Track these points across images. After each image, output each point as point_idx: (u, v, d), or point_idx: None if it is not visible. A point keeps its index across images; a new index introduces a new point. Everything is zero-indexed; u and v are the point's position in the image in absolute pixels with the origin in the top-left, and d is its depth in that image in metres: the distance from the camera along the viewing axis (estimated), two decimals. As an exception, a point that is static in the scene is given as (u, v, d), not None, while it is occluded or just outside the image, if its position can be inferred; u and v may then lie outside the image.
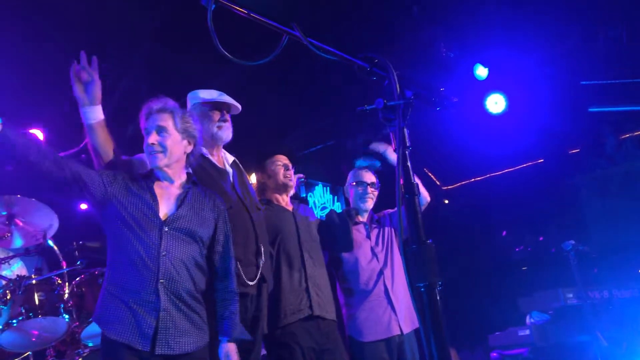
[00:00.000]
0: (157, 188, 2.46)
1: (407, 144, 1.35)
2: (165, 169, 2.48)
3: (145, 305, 2.25)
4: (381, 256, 3.77)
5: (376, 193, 3.96)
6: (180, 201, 2.47)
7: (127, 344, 2.20)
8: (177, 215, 2.41)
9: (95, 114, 2.55)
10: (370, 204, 3.91)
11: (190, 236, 2.42)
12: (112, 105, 5.30)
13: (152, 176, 2.50)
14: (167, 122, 2.48)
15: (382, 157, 3.96)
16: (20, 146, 2.20)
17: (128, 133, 5.48)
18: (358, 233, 3.85)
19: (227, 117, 3.08)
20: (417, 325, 3.66)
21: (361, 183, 3.91)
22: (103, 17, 4.80)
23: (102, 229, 2.46)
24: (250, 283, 2.81)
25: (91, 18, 4.80)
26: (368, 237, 3.84)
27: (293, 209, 3.58)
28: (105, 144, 2.57)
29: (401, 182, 1.31)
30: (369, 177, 3.95)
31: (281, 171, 3.52)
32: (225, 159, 3.11)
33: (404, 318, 3.59)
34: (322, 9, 5.10)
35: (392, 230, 3.94)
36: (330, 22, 5.15)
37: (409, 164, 1.34)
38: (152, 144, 2.44)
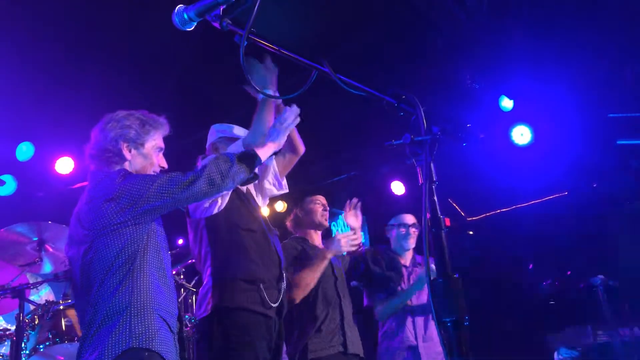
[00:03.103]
0: None
1: (434, 179, 1.37)
2: None
3: None
4: (413, 300, 3.93)
5: (417, 232, 4.21)
6: None
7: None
8: None
9: None
10: (412, 242, 4.18)
11: None
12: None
13: None
14: None
15: None
16: None
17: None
18: None
19: None
20: None
21: (403, 224, 4.19)
22: (134, 47, 4.95)
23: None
24: (273, 305, 2.84)
25: (122, 47, 4.94)
26: (408, 280, 4.05)
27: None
28: None
29: (428, 216, 1.33)
30: (410, 219, 4.24)
31: (319, 210, 3.75)
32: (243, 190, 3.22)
33: None
34: (348, 41, 5.19)
35: None
36: (356, 54, 5.22)
37: (435, 198, 1.36)
38: (164, 168, 2.47)
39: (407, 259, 4.17)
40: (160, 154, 2.46)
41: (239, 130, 3.21)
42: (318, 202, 3.76)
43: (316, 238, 3.76)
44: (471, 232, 7.89)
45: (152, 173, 2.38)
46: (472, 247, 7.38)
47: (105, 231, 2.13)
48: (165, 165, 2.47)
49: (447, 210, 7.30)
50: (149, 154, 2.37)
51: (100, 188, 2.20)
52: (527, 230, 6.88)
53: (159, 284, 2.17)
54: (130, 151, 2.33)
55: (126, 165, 2.34)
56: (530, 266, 7.19)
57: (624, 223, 6.44)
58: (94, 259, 2.14)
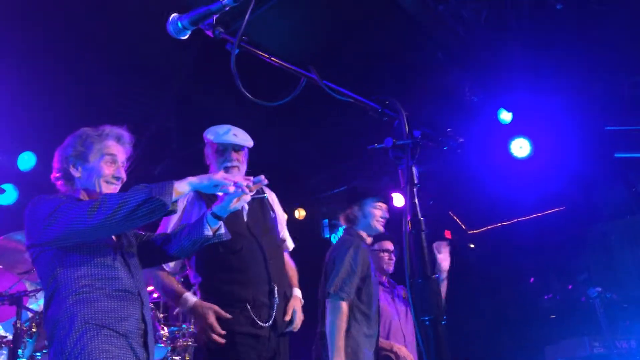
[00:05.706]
0: None
1: (416, 182, 1.40)
2: None
3: None
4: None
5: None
6: None
7: None
8: None
9: None
10: (391, 268, 4.37)
11: None
12: (141, 145, 5.47)
13: None
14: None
15: None
16: None
17: (156, 172, 5.62)
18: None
19: (235, 155, 3.03)
20: None
21: (386, 250, 4.34)
22: (135, 58, 5.00)
23: None
24: (264, 325, 2.77)
25: (124, 58, 5.00)
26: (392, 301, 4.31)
27: None
28: None
29: (408, 218, 1.35)
30: (392, 245, 4.38)
31: (379, 214, 3.62)
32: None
33: None
34: (348, 53, 5.25)
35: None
36: (357, 66, 5.27)
37: (416, 200, 1.39)
38: (121, 178, 2.39)
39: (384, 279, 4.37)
40: (116, 165, 2.39)
41: (210, 135, 3.08)
42: (380, 207, 3.64)
43: (369, 241, 3.70)
44: (472, 246, 7.88)
45: (106, 184, 2.36)
46: (473, 259, 7.37)
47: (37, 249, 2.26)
48: (122, 176, 2.40)
49: (449, 223, 7.30)
50: (94, 167, 2.36)
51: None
52: (528, 243, 6.88)
53: (88, 296, 2.15)
54: (77, 169, 2.38)
55: (77, 183, 2.39)
56: (532, 279, 7.17)
57: (624, 237, 6.43)
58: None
